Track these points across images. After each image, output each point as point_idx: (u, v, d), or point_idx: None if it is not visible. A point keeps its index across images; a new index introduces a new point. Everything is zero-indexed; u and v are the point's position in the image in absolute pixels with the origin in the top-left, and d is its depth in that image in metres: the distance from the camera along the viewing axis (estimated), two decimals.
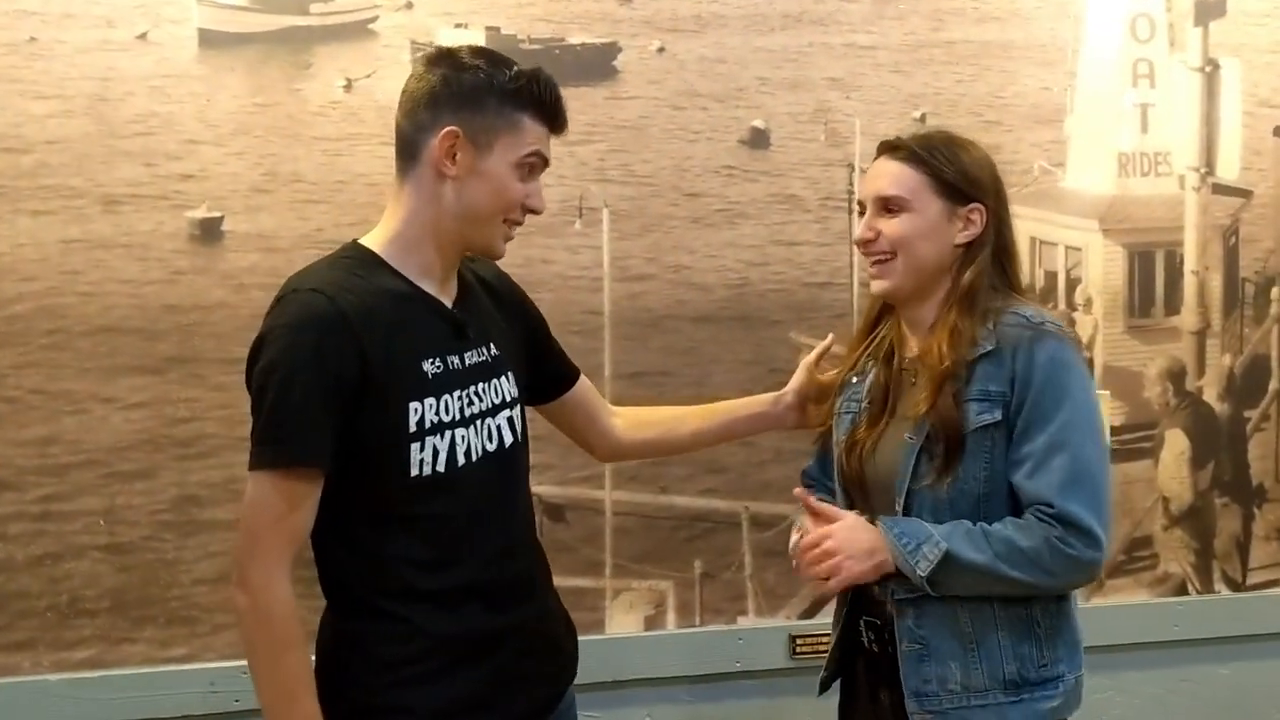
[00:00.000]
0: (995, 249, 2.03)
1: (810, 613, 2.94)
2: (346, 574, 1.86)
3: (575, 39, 2.87)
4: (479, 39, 2.79)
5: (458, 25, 2.81)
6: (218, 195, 2.69)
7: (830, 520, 2.00)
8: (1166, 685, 3.19)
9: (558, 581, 2.80)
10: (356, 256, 1.89)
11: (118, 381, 2.65)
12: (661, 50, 2.92)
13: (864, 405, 2.08)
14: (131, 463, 2.65)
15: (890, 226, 2.01)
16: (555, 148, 2.83)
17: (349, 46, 2.76)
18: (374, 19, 2.78)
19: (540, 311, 2.17)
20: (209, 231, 2.69)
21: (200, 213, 2.69)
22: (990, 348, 1.96)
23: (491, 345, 1.96)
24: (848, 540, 1.97)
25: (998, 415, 1.95)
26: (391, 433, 1.81)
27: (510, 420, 1.96)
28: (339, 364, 1.77)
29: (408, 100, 1.89)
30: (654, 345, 2.90)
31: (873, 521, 1.99)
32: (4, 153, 2.60)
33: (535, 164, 1.90)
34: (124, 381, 2.65)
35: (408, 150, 1.88)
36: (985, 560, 1.91)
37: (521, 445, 2.00)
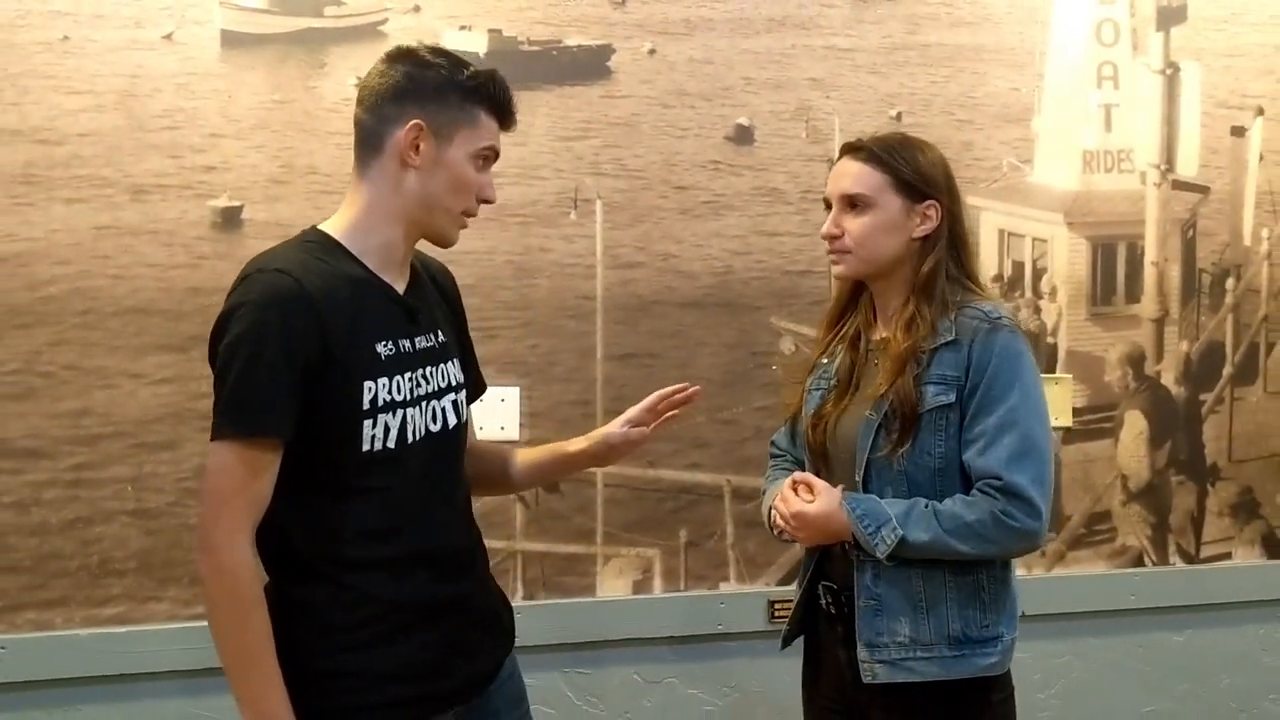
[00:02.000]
0: (950, 242, 2.20)
1: (788, 579, 3.07)
2: (297, 542, 1.89)
3: (572, 41, 3.02)
4: (482, 41, 2.95)
5: (462, 28, 2.95)
6: (238, 186, 2.83)
7: (811, 489, 2.17)
8: (1123, 651, 3.34)
9: (552, 548, 3.02)
10: (317, 241, 1.94)
11: (145, 359, 2.78)
12: (653, 52, 3.07)
13: (831, 384, 2.26)
14: (158, 434, 2.78)
15: (854, 224, 2.19)
16: (553, 144, 3.03)
17: (360, 47, 2.88)
18: (384, 21, 2.93)
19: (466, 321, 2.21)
20: (230, 219, 2.83)
21: (222, 202, 2.82)
22: (951, 338, 2.14)
23: (439, 332, 2.02)
24: (818, 522, 2.15)
25: (952, 397, 2.13)
26: (346, 409, 1.87)
27: (455, 403, 2.02)
28: (303, 341, 1.82)
29: (370, 95, 1.95)
30: (643, 329, 3.04)
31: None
32: (39, 144, 2.74)
33: (489, 156, 1.98)
34: (151, 359, 2.78)
35: (370, 142, 1.94)
36: (935, 538, 2.09)
37: (463, 427, 2.06)
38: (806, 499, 2.16)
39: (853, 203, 2.20)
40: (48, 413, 2.75)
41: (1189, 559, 3.40)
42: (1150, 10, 3.32)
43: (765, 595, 3.08)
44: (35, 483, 2.74)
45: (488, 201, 2.01)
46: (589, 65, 3.03)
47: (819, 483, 2.17)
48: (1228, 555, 3.42)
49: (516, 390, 2.94)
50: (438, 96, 1.93)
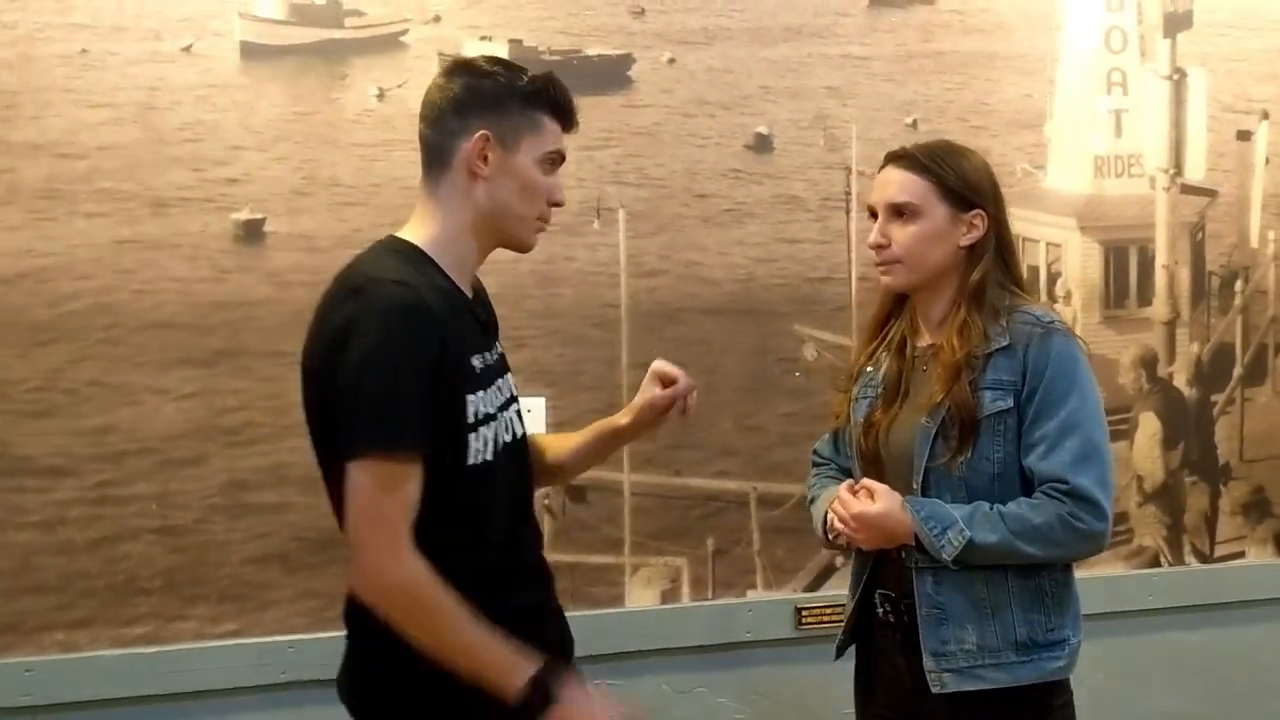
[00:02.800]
0: (997, 249, 2.20)
1: (814, 586, 3.08)
2: None
3: (592, 51, 3.02)
4: (502, 51, 2.93)
5: (483, 38, 2.94)
6: (260, 198, 2.81)
7: (871, 494, 2.14)
8: (1141, 651, 3.35)
9: (580, 558, 3.02)
10: (408, 252, 1.92)
11: (169, 374, 2.75)
12: (672, 61, 3.07)
13: (879, 391, 2.25)
14: (183, 450, 2.75)
15: (901, 234, 2.18)
16: (574, 153, 3.01)
17: (381, 58, 2.89)
18: (404, 32, 2.92)
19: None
20: (253, 232, 2.81)
21: (244, 215, 2.80)
22: (1005, 343, 2.14)
23: (499, 344, 2.04)
24: (878, 522, 2.12)
25: (1009, 402, 2.12)
26: (456, 422, 1.86)
27: (519, 413, 2.04)
28: (428, 354, 1.81)
29: (432, 109, 1.95)
30: (667, 336, 3.03)
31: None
32: (60, 158, 2.71)
33: (556, 159, 1.99)
34: (175, 374, 2.75)
35: (437, 156, 1.95)
36: (1002, 539, 2.08)
37: (527, 437, 2.08)
38: (866, 503, 2.16)
39: (899, 211, 2.18)
40: (71, 430, 2.71)
41: (1203, 558, 3.43)
42: (1157, 17, 3.36)
43: (792, 602, 3.08)
44: (60, 501, 2.70)
45: (558, 204, 2.02)
46: (610, 75, 3.04)
47: (880, 487, 2.15)
48: (1241, 554, 3.46)
49: (543, 400, 2.93)
50: (498, 105, 1.94)
